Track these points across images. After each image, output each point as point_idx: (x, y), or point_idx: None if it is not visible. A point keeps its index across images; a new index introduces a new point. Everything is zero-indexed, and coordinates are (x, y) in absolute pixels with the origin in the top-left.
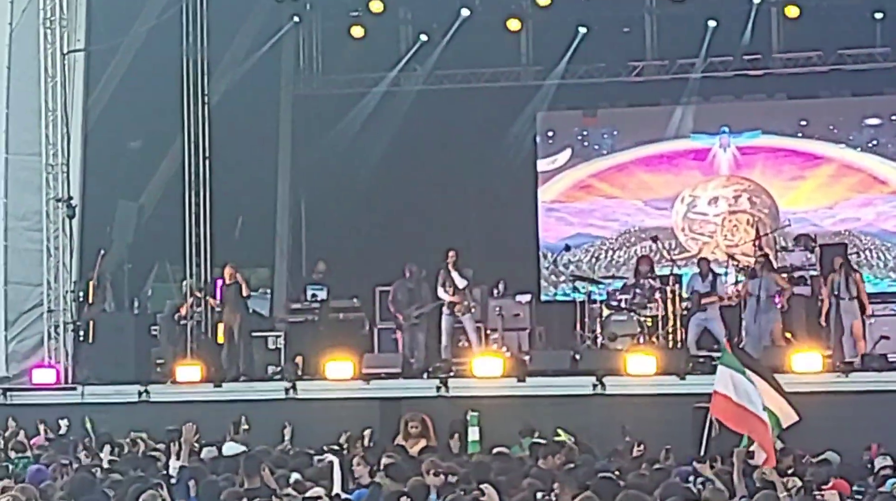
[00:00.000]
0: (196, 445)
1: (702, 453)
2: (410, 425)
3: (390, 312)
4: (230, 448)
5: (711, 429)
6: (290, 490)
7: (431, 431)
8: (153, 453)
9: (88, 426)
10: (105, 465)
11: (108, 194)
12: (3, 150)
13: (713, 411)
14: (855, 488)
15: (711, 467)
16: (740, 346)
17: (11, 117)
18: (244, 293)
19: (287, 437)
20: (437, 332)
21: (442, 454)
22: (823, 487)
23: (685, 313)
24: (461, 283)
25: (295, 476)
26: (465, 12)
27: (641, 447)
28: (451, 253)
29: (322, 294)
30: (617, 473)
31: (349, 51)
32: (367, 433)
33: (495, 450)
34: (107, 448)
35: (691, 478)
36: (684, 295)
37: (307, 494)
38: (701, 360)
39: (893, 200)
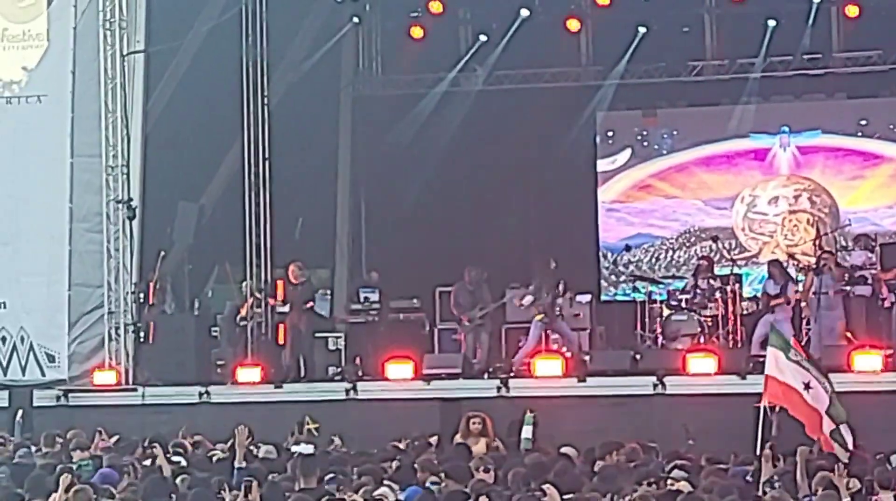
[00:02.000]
0: (251, 447)
1: (757, 450)
2: (472, 422)
3: (453, 315)
4: (297, 450)
5: (771, 427)
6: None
7: (492, 430)
8: (215, 453)
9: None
10: (169, 467)
11: (169, 196)
12: (69, 155)
13: (768, 397)
14: None
15: (774, 466)
16: (803, 344)
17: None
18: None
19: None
20: (499, 333)
21: (502, 453)
22: (885, 489)
23: (745, 313)
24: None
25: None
26: (524, 12)
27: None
28: (553, 261)
29: (374, 296)
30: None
31: (409, 51)
32: (433, 439)
33: (562, 450)
34: (173, 450)
35: (751, 478)
36: (745, 295)
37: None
38: (762, 360)
39: None
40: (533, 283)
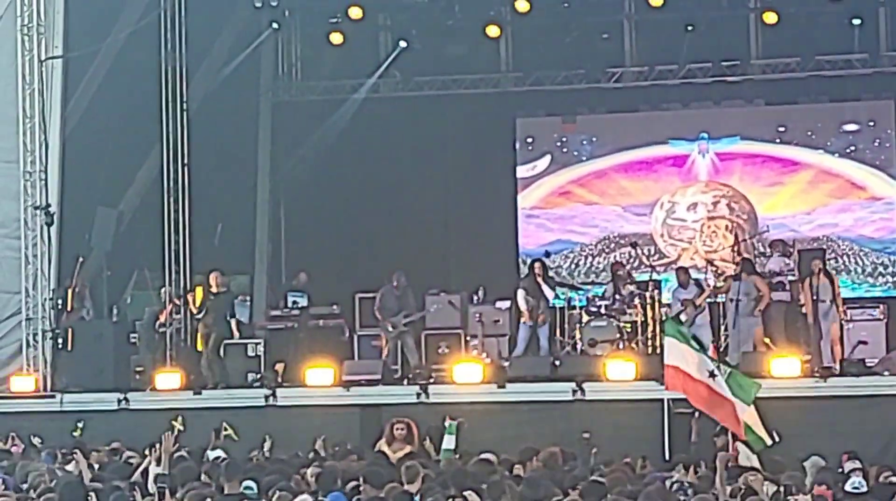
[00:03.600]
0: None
1: (667, 456)
2: (396, 428)
3: (377, 319)
4: (212, 455)
5: (690, 433)
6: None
7: (416, 437)
8: (132, 460)
9: (77, 433)
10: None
11: (87, 202)
12: None
13: (669, 385)
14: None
15: (695, 472)
16: (721, 350)
17: None
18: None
19: (267, 448)
20: (418, 339)
21: (424, 460)
22: (801, 493)
23: (665, 319)
24: (550, 295)
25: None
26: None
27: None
28: (537, 264)
29: (302, 301)
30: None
31: (328, 57)
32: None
33: (476, 458)
34: (93, 455)
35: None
36: (664, 301)
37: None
38: None
39: (871, 205)
40: (523, 287)
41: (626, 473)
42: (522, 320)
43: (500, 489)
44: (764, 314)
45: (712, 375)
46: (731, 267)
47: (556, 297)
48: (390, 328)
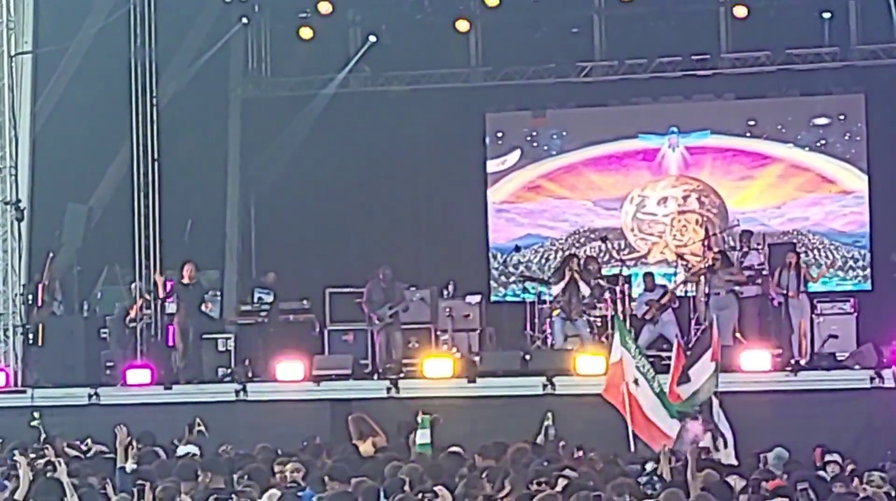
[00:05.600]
0: (137, 448)
1: (631, 449)
2: (360, 423)
3: (363, 312)
4: (184, 451)
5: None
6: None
7: (381, 430)
8: (103, 454)
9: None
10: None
11: (57, 197)
12: None
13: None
14: (800, 486)
15: (669, 463)
16: (690, 346)
17: None
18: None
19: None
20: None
21: (396, 453)
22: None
23: (635, 313)
24: (586, 291)
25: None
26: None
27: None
28: (574, 260)
29: (268, 298)
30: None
31: (298, 52)
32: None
33: (448, 451)
34: (68, 451)
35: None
36: (634, 295)
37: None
38: (651, 360)
39: (841, 199)
40: (554, 279)
41: (594, 466)
42: (554, 313)
43: (470, 483)
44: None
45: (636, 382)
46: (702, 261)
47: (526, 291)
48: (377, 321)
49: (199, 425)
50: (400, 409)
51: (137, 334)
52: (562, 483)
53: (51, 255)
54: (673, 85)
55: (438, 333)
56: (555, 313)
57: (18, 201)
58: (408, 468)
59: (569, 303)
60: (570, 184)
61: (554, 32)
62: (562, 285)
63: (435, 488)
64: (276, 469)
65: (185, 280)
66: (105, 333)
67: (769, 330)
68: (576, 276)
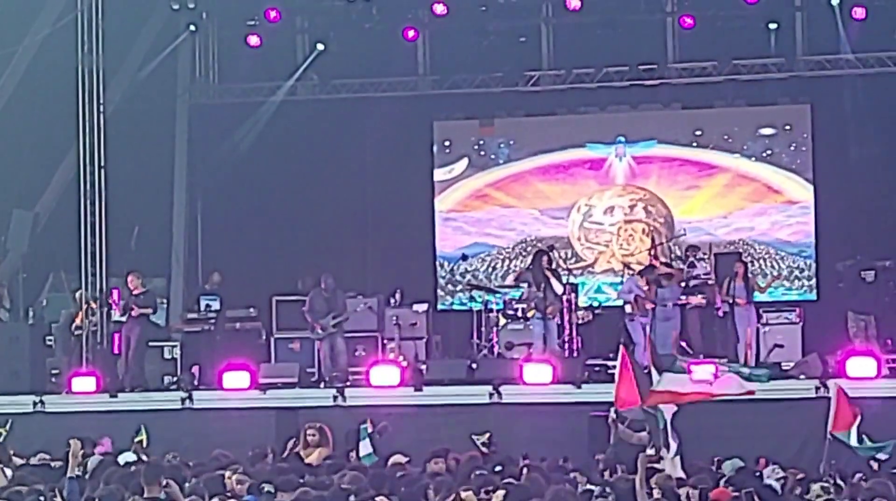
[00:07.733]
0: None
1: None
2: (308, 433)
3: (306, 321)
4: (125, 458)
5: (609, 436)
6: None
7: (331, 440)
8: (47, 463)
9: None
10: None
11: (3, 204)
12: None
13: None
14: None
15: (612, 474)
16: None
17: None
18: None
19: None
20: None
21: (341, 462)
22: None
23: (581, 322)
24: (559, 289)
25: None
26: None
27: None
28: (545, 258)
29: (215, 305)
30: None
31: (245, 60)
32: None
33: (392, 460)
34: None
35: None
36: (581, 304)
37: None
38: (596, 369)
39: (787, 209)
40: (526, 278)
41: (541, 475)
42: (529, 314)
43: (413, 492)
44: (681, 318)
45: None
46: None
47: (473, 299)
48: (319, 331)
49: (140, 435)
50: (346, 417)
51: (83, 341)
52: (500, 493)
53: None
54: (620, 94)
55: (385, 341)
56: (530, 313)
57: None
58: (351, 476)
59: (543, 301)
60: (517, 193)
61: (502, 41)
62: (557, 283)
63: (377, 498)
64: (222, 475)
65: (135, 291)
66: (50, 340)
67: (714, 340)
68: (548, 274)
